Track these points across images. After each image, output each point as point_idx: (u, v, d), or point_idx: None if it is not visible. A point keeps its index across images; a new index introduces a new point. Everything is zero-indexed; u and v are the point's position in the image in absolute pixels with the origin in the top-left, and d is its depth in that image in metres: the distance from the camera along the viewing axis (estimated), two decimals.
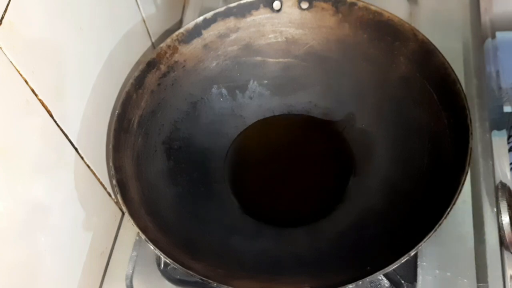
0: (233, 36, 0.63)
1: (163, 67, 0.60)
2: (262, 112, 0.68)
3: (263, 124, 0.67)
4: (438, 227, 0.46)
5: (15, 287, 0.45)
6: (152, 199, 0.56)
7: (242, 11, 0.62)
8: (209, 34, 0.62)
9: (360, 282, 0.45)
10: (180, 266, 0.47)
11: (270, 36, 0.64)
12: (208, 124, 0.66)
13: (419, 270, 0.55)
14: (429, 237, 0.46)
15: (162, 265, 0.58)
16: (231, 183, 0.63)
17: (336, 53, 0.64)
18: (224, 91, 0.66)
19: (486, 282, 0.54)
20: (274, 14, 0.63)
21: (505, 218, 0.55)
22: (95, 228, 0.59)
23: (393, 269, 0.46)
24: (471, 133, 0.50)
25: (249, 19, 0.62)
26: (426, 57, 0.56)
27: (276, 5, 0.62)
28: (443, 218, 0.47)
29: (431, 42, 0.56)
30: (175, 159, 0.62)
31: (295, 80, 0.67)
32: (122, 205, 0.51)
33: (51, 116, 0.47)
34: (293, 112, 0.68)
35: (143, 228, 0.50)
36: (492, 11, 0.72)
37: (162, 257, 0.48)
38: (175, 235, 0.53)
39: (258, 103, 0.68)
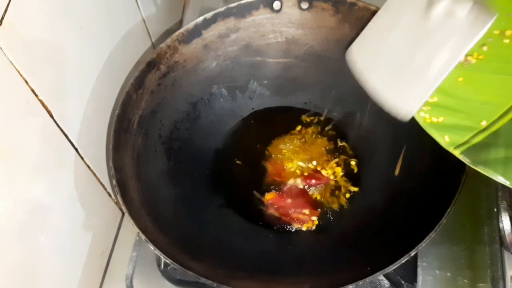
0: (233, 36, 0.63)
1: (163, 67, 0.60)
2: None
3: (262, 120, 0.68)
4: (438, 227, 0.46)
5: (15, 287, 0.45)
6: (152, 199, 0.56)
7: (242, 11, 0.62)
8: (209, 34, 0.62)
9: (360, 282, 0.46)
10: (180, 266, 0.47)
11: (270, 36, 0.64)
12: (208, 124, 0.66)
13: (419, 270, 0.55)
14: (430, 237, 0.46)
15: (162, 265, 0.58)
16: (231, 183, 0.63)
17: (336, 53, 0.63)
18: (224, 91, 0.66)
19: (486, 282, 0.55)
20: (274, 14, 0.63)
21: (505, 218, 0.55)
22: (95, 228, 0.59)
23: (393, 269, 0.46)
24: None
25: (249, 19, 0.63)
26: None
27: (276, 5, 0.62)
28: (443, 218, 0.47)
29: None
30: (175, 159, 0.62)
31: (295, 80, 0.67)
32: (122, 205, 0.51)
33: (51, 116, 0.47)
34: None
35: (143, 228, 0.50)
36: None
37: (162, 257, 0.48)
38: (175, 235, 0.53)
39: (258, 103, 0.68)
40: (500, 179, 0.41)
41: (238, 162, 0.65)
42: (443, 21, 0.42)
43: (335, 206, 0.60)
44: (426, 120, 0.46)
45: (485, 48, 0.48)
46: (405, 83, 0.46)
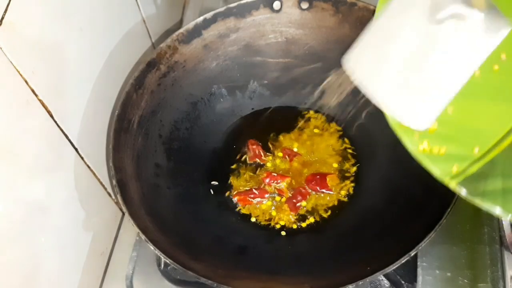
0: (233, 36, 0.63)
1: (163, 67, 0.60)
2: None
3: (262, 120, 0.68)
4: (438, 227, 0.46)
5: (15, 287, 0.45)
6: (152, 199, 0.56)
7: (242, 11, 0.62)
8: (209, 34, 0.62)
9: (360, 282, 0.46)
10: (180, 266, 0.47)
11: (270, 36, 0.64)
12: (208, 124, 0.66)
13: (419, 270, 0.55)
14: (430, 237, 0.46)
15: (162, 265, 0.58)
16: (230, 184, 0.63)
17: (336, 53, 0.63)
18: (224, 91, 0.66)
19: (486, 282, 0.55)
20: (274, 14, 0.63)
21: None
22: (95, 228, 0.59)
23: (393, 269, 0.46)
24: None
25: (249, 19, 0.63)
26: None
27: (276, 5, 0.62)
28: (443, 218, 0.47)
29: None
30: (175, 159, 0.62)
31: (295, 80, 0.67)
32: (122, 205, 0.51)
33: (51, 116, 0.47)
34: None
35: (143, 229, 0.50)
36: None
37: (162, 257, 0.48)
38: (175, 235, 0.53)
39: (258, 103, 0.68)
40: (499, 211, 0.38)
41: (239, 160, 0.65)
42: (452, 28, 0.38)
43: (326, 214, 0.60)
44: (417, 148, 0.43)
45: (477, 73, 0.47)
46: (414, 95, 0.41)
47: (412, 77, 0.40)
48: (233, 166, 0.64)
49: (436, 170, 0.41)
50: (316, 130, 0.66)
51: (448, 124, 0.43)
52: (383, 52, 0.41)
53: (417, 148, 0.43)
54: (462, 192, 0.39)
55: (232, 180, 0.63)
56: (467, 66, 0.39)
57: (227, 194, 0.62)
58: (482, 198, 0.38)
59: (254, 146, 0.64)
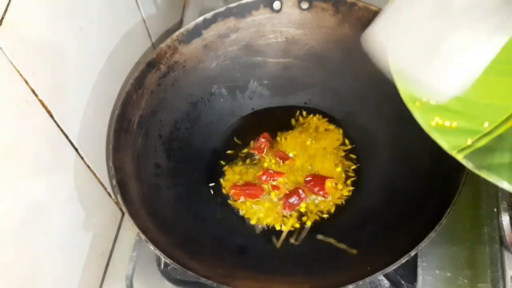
0: (233, 36, 0.63)
1: (163, 67, 0.60)
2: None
3: (262, 121, 0.68)
4: (438, 227, 0.46)
5: (15, 287, 0.45)
6: (152, 199, 0.56)
7: (242, 11, 0.62)
8: (209, 34, 0.62)
9: (360, 282, 0.46)
10: (180, 266, 0.47)
11: (270, 36, 0.64)
12: (208, 124, 0.66)
13: (419, 270, 0.55)
14: (430, 237, 0.46)
15: (162, 265, 0.58)
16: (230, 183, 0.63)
17: (336, 53, 0.64)
18: (224, 91, 0.66)
19: (486, 282, 0.55)
20: (274, 14, 0.63)
21: (505, 218, 0.55)
22: (95, 228, 0.59)
23: (393, 269, 0.46)
24: None
25: (249, 19, 0.63)
26: None
27: (276, 5, 0.62)
28: (443, 218, 0.47)
29: None
30: (175, 159, 0.62)
31: (295, 80, 0.67)
32: (122, 205, 0.51)
33: (51, 116, 0.47)
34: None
35: (143, 229, 0.50)
36: None
37: (162, 257, 0.48)
38: (175, 235, 0.53)
39: (258, 103, 0.68)
40: (505, 184, 0.39)
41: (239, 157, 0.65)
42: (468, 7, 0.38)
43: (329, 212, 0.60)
44: (429, 123, 0.45)
45: None
46: (441, 64, 0.41)
47: (436, 46, 0.40)
48: (230, 152, 0.64)
49: (445, 143, 0.42)
50: (316, 130, 0.66)
51: (459, 98, 0.44)
52: (403, 22, 0.42)
53: (429, 123, 0.43)
54: (469, 165, 0.40)
55: (227, 169, 0.63)
56: (486, 49, 0.39)
57: (224, 186, 0.62)
58: (488, 171, 0.39)
59: (264, 140, 0.64)
